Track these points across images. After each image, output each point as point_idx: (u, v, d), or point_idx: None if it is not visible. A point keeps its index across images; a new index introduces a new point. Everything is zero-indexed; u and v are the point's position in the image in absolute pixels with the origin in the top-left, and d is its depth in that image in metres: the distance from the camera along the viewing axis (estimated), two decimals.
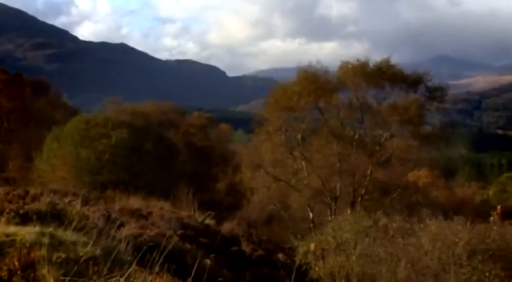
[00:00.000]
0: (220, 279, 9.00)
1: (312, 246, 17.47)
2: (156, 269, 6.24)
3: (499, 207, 21.64)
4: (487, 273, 13.74)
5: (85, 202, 15.80)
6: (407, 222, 18.05)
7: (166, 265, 6.96)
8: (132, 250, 7.54)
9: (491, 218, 19.07)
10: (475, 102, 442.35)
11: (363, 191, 34.81)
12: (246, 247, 23.02)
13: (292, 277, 10.98)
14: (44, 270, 5.52)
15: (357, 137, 36.33)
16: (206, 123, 66.40)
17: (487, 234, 16.20)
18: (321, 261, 17.16)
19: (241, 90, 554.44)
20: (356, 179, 34.49)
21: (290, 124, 37.49)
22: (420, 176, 45.70)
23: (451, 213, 18.65)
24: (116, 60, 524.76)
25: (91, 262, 5.87)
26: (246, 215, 35.87)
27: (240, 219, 33.90)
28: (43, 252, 5.85)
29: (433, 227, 16.40)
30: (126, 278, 5.53)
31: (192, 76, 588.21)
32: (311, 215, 34.71)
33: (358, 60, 36.34)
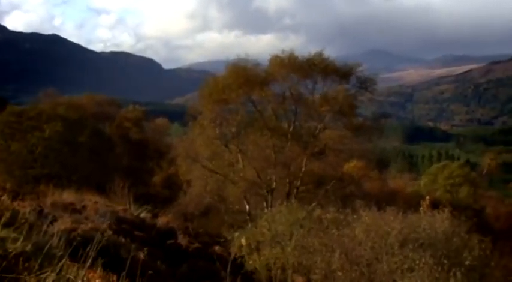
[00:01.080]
0: (151, 272, 8.93)
1: (246, 239, 17.56)
2: (89, 263, 6.17)
3: (427, 197, 22.19)
4: (417, 261, 14.12)
5: (15, 197, 15.40)
6: (341, 213, 18.39)
7: (99, 259, 6.89)
8: (65, 245, 7.42)
9: (421, 208, 19.59)
10: (407, 94, 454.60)
11: (298, 183, 35.00)
12: (182, 240, 22.91)
13: (228, 269, 11.03)
14: None
15: (291, 129, 36.50)
16: (141, 117, 65.49)
17: (417, 224, 16.65)
18: (256, 254, 17.26)
19: (177, 83, 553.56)
20: (291, 171, 34.68)
21: (224, 117, 37.27)
22: (354, 167, 46.33)
23: (383, 204, 19.05)
24: (47, 51, 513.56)
25: (21, 258, 5.76)
26: (182, 208, 35.63)
27: (176, 212, 33.72)
28: None
29: (366, 218, 16.76)
30: (57, 273, 5.45)
31: (127, 68, 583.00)
32: (247, 207, 34.77)
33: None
